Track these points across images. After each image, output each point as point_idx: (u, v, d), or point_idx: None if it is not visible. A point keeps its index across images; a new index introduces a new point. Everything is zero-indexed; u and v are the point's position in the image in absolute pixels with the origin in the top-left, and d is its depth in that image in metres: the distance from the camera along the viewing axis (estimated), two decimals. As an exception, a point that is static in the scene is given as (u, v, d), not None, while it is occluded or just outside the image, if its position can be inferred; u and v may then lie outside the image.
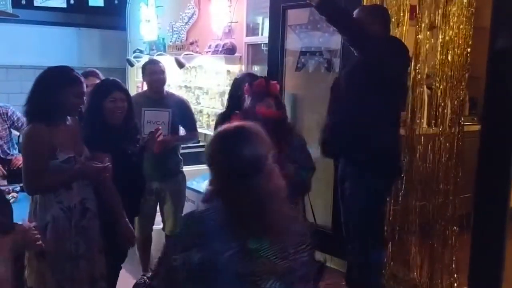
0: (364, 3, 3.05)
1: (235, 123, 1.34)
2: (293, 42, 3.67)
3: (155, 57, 4.90)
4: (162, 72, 3.44)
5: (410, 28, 3.02)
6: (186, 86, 5.01)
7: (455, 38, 2.83)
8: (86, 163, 2.47)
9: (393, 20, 2.93)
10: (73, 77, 2.41)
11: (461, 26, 2.82)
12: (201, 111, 4.74)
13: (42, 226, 2.43)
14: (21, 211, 2.72)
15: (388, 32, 2.73)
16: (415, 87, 3.04)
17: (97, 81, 3.48)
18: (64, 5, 6.16)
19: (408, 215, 3.09)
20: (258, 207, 1.22)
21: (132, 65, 5.46)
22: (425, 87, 3.14)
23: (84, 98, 2.44)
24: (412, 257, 3.10)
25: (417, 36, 2.98)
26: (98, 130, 2.68)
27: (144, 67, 3.56)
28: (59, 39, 6.10)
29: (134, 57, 5.46)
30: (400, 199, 3.09)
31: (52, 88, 2.37)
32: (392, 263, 3.16)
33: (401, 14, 2.99)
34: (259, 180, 1.22)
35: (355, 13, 2.69)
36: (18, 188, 3.31)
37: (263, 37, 4.12)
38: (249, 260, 1.23)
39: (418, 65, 3.01)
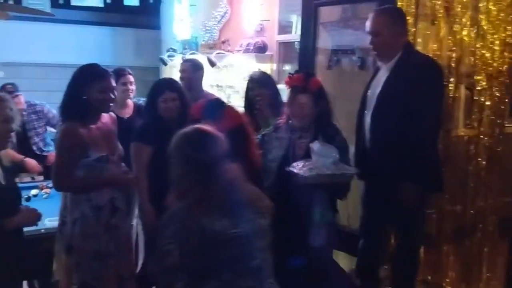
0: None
1: (195, 126, 1.75)
2: (325, 40, 3.60)
3: (188, 56, 4.94)
4: (189, 71, 3.46)
5: (445, 25, 2.90)
6: (217, 85, 5.01)
7: (495, 36, 2.70)
8: (116, 174, 2.51)
9: (428, 17, 2.83)
10: (97, 72, 2.44)
11: (503, 25, 2.69)
12: (232, 110, 4.72)
13: (71, 221, 2.46)
14: (53, 206, 2.78)
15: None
16: (453, 88, 2.92)
17: (131, 78, 3.54)
18: (101, 4, 6.27)
19: (443, 219, 2.98)
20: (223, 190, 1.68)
21: (165, 64, 5.50)
22: (463, 87, 3.02)
23: (111, 94, 2.46)
24: (445, 262, 2.99)
25: (456, 36, 2.85)
26: (154, 126, 2.73)
27: (180, 65, 3.63)
28: (95, 38, 6.23)
29: (168, 56, 5.50)
30: (434, 203, 2.98)
31: (80, 85, 2.41)
32: (424, 268, 3.06)
33: (438, 11, 2.88)
34: (221, 170, 1.67)
35: (374, 18, 2.60)
36: (51, 184, 3.38)
37: (295, 35, 4.07)
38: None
39: (454, 65, 2.89)
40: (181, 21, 5.51)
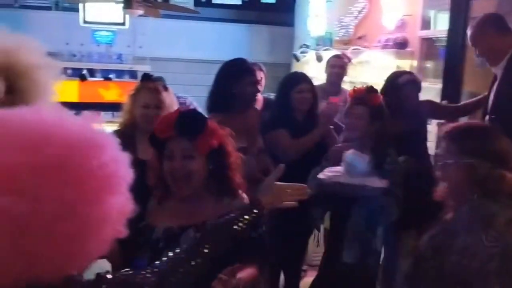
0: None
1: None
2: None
3: (322, 52, 4.92)
4: (341, 66, 3.46)
5: None
6: (350, 82, 4.90)
7: None
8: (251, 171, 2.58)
9: None
10: (246, 67, 2.53)
11: None
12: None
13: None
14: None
15: None
16: None
17: (261, 74, 3.63)
18: (239, 2, 6.50)
19: None
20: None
21: (298, 60, 5.54)
22: None
23: (259, 87, 2.54)
24: None
25: None
26: (284, 119, 2.80)
27: (328, 60, 3.64)
28: (233, 35, 6.48)
29: (300, 53, 5.54)
30: None
31: (229, 80, 2.52)
32: None
33: None
34: None
35: (477, 28, 2.59)
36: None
37: (440, 30, 3.82)
38: None
39: None
40: (316, 17, 5.50)
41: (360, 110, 2.55)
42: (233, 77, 2.51)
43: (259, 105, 3.63)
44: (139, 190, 0.99)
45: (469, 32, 2.74)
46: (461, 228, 1.46)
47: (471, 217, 1.46)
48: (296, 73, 3.13)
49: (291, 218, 2.49)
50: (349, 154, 2.46)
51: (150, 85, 2.38)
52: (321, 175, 2.48)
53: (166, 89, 2.36)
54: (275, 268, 2.89)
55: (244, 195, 1.65)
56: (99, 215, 0.83)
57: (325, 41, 5.35)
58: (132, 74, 5.62)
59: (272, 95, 3.54)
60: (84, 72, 5.07)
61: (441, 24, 3.94)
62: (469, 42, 2.78)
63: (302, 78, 2.89)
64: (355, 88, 2.70)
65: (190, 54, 6.27)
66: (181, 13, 5.20)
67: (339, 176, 2.44)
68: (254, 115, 2.68)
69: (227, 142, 1.65)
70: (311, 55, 5.37)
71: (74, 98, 4.71)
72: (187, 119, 1.56)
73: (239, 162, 1.69)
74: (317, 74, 4.87)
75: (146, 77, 2.43)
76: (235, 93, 2.49)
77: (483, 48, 2.65)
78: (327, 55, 4.54)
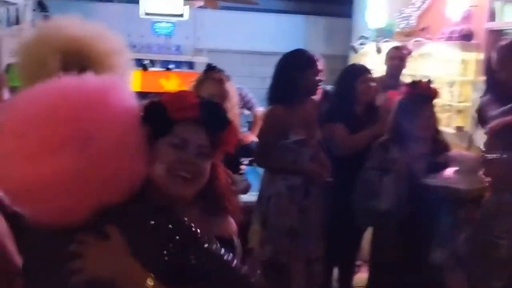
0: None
1: None
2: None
3: (382, 44, 4.80)
4: (400, 58, 3.39)
5: None
6: (410, 75, 4.76)
7: None
8: (310, 168, 2.55)
9: None
10: (309, 58, 2.52)
11: None
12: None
13: (266, 197, 2.60)
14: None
15: None
16: None
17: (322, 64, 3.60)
18: (296, -7, 6.47)
19: None
20: None
21: (356, 51, 5.45)
22: None
23: (321, 77, 2.53)
24: None
25: None
26: (342, 112, 2.76)
27: (387, 51, 3.58)
28: (289, 27, 6.45)
29: (360, 44, 5.44)
30: None
31: (291, 70, 2.51)
32: None
33: None
34: None
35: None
36: (246, 162, 3.62)
37: (507, 22, 3.63)
38: None
39: None
40: (376, 8, 5.37)
41: (431, 108, 2.42)
42: (296, 67, 2.51)
43: (318, 97, 3.60)
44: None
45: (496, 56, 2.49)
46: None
47: None
48: (358, 64, 3.10)
49: (345, 214, 2.46)
50: (456, 155, 2.38)
51: (215, 75, 2.41)
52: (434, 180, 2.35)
53: (229, 79, 2.39)
54: (329, 263, 2.88)
55: (232, 221, 1.37)
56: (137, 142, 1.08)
57: (385, 33, 5.23)
58: (191, 65, 5.72)
59: (328, 87, 3.50)
60: (146, 62, 5.21)
61: (508, 16, 3.78)
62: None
63: (366, 69, 2.87)
64: (416, 83, 2.48)
65: (247, 46, 6.29)
66: (239, 5, 5.24)
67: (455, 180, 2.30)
68: (313, 107, 2.66)
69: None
70: (369, 47, 5.26)
71: (137, 87, 4.86)
72: (212, 108, 1.23)
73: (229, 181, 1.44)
74: (376, 67, 4.77)
75: (211, 67, 2.46)
76: (297, 84, 2.49)
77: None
78: (387, 47, 4.43)
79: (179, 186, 1.15)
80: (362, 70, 2.85)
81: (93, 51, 1.51)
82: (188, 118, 1.17)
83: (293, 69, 2.51)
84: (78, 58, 1.48)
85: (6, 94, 1.81)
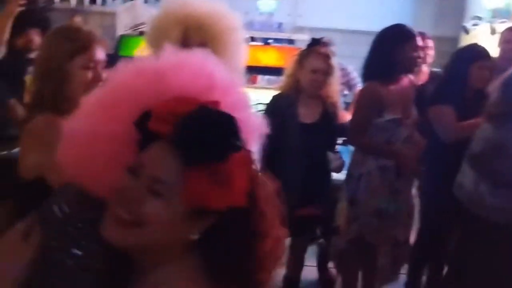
0: None
1: None
2: None
3: (497, 25, 4.45)
4: None
5: None
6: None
7: None
8: (402, 152, 2.46)
9: None
10: (406, 32, 2.42)
11: None
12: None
13: (357, 175, 2.58)
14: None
15: None
16: None
17: (429, 41, 3.41)
18: (406, -30, 6.16)
19: None
20: None
21: (467, 32, 5.10)
22: None
23: (420, 53, 2.42)
24: None
25: None
26: (453, 94, 2.63)
27: (502, 33, 3.33)
28: (396, 6, 6.18)
29: (472, 25, 5.08)
30: None
31: (387, 46, 2.43)
32: None
33: None
34: None
35: None
36: (340, 141, 3.59)
37: None
38: None
39: None
40: (494, -14, 4.96)
41: None
42: (392, 41, 2.41)
43: (423, 78, 3.43)
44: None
45: None
46: None
47: None
48: (477, 46, 2.82)
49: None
50: None
51: (321, 49, 2.40)
52: None
53: (334, 55, 2.37)
54: (419, 263, 2.78)
55: None
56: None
57: (503, 13, 4.82)
58: (291, 42, 5.72)
59: (436, 70, 3.32)
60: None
61: None
62: None
63: (485, 53, 2.66)
64: None
65: (350, 25, 6.14)
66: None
67: None
68: (410, 86, 2.56)
69: (264, 200, 0.84)
70: (483, 27, 4.88)
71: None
72: (204, 124, 0.78)
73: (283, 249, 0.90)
74: (488, 49, 4.44)
75: (316, 41, 2.45)
76: (393, 59, 2.40)
77: None
78: (502, 28, 4.09)
79: (109, 228, 0.79)
80: (482, 55, 2.64)
81: (212, 27, 1.57)
82: (160, 133, 0.79)
83: (389, 43, 2.42)
84: (198, 33, 1.55)
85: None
